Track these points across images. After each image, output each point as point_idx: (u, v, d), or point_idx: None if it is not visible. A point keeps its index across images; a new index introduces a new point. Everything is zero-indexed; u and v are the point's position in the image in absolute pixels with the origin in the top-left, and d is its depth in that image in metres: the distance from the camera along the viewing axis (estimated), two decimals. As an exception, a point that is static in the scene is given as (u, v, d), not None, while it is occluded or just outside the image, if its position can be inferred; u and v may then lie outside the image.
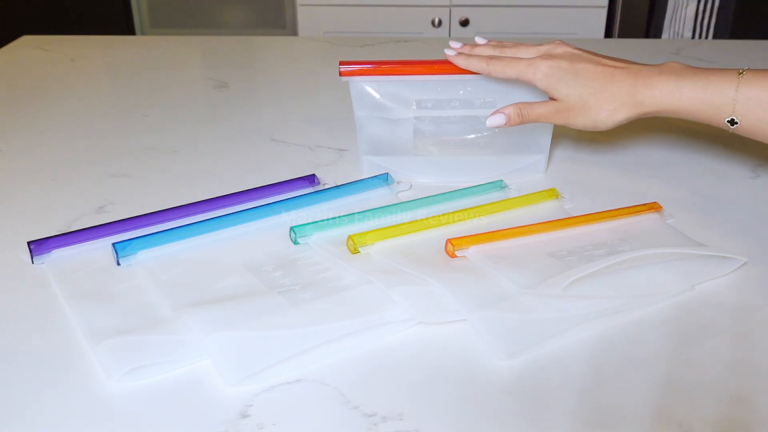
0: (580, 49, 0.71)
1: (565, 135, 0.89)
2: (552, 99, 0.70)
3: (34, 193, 0.77)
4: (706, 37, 2.01)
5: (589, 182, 0.78)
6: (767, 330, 0.56)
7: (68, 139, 0.90)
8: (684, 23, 2.00)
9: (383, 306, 0.56)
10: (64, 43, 1.28)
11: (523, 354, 0.53)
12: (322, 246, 0.64)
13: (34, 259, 0.64)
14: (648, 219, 0.69)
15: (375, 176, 0.75)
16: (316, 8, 2.11)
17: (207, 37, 1.33)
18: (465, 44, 0.75)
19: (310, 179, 0.76)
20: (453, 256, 0.63)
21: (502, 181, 0.76)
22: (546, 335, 0.54)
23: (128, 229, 0.67)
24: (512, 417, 0.48)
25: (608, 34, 2.11)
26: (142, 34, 2.41)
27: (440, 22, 2.10)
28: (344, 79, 0.75)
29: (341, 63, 0.75)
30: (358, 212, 0.68)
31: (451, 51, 0.74)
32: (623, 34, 2.09)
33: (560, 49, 0.71)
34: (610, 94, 0.68)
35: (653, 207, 0.70)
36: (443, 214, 0.68)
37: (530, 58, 0.71)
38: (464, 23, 2.09)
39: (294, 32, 2.28)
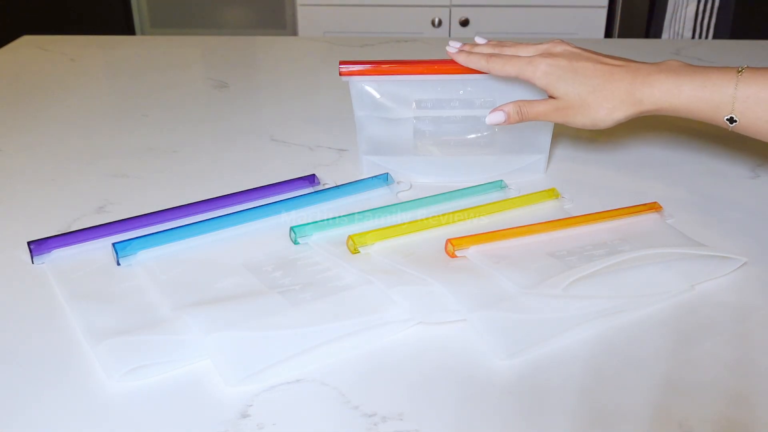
0: (580, 48, 0.72)
1: (565, 135, 0.89)
2: (551, 97, 0.70)
3: (34, 193, 0.77)
4: (706, 37, 2.01)
5: (589, 182, 0.78)
6: (767, 330, 0.56)
7: (68, 139, 0.90)
8: (684, 23, 2.00)
9: (383, 306, 0.56)
10: (64, 43, 1.28)
11: (523, 354, 0.53)
12: (322, 246, 0.64)
13: (34, 259, 0.64)
14: (648, 219, 0.69)
15: (375, 176, 0.75)
16: (316, 8, 2.11)
17: (207, 37, 1.33)
18: (465, 44, 0.76)
19: (310, 179, 0.76)
20: (453, 256, 0.63)
21: (502, 181, 0.76)
22: (546, 335, 0.54)
23: (128, 229, 0.67)
24: (512, 417, 0.48)
25: (608, 34, 2.11)
26: (142, 34, 2.41)
27: (440, 22, 2.10)
28: (344, 79, 0.75)
29: (341, 63, 0.75)
30: (358, 212, 0.68)
31: (453, 48, 0.74)
32: (623, 34, 2.09)
33: (559, 48, 0.71)
34: (609, 93, 0.68)
35: (653, 207, 0.70)
36: (443, 214, 0.68)
37: (530, 56, 0.71)
38: (464, 23, 2.09)
39: (294, 32, 2.28)
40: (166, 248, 0.64)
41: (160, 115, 0.97)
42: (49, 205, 0.74)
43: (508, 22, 2.09)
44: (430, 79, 0.75)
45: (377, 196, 0.74)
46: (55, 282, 0.61)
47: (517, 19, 2.08)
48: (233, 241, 0.66)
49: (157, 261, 0.63)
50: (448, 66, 0.74)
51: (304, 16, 2.12)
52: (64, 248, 0.64)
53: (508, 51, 0.73)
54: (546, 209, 0.71)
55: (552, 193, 0.73)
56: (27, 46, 1.27)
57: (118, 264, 0.63)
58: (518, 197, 0.72)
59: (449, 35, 2.11)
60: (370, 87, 0.76)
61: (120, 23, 2.39)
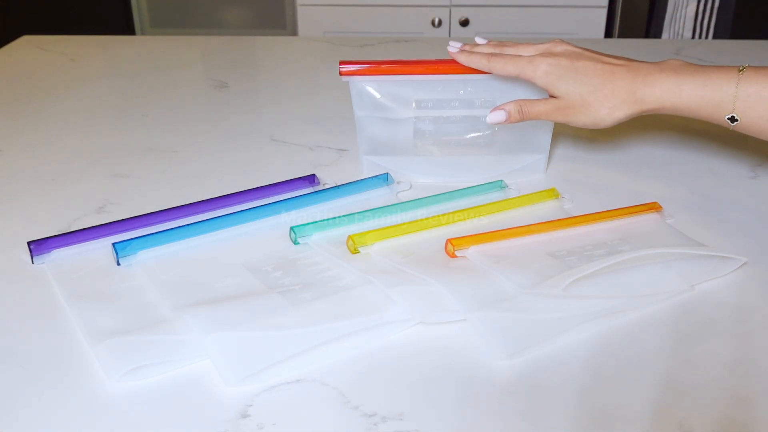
0: (581, 48, 0.72)
1: (565, 135, 0.89)
2: (552, 97, 0.70)
3: (34, 193, 0.77)
4: (706, 37, 2.01)
5: (589, 182, 0.78)
6: (767, 330, 0.56)
7: (68, 139, 0.90)
8: (684, 23, 2.00)
9: (383, 306, 0.56)
10: (64, 43, 1.28)
11: (523, 354, 0.53)
12: (322, 246, 0.64)
13: (34, 259, 0.64)
14: (648, 219, 0.69)
15: (375, 176, 0.75)
16: (316, 8, 2.11)
17: (207, 37, 1.33)
18: (466, 44, 0.76)
19: (310, 179, 0.76)
20: (453, 256, 0.63)
21: (502, 181, 0.76)
22: (546, 335, 0.54)
23: (128, 229, 0.67)
24: (512, 417, 0.48)
25: (608, 34, 2.11)
26: (142, 34, 2.41)
27: (440, 22, 2.10)
28: (344, 79, 0.75)
29: (341, 63, 0.75)
30: (358, 212, 0.68)
31: (454, 48, 0.74)
32: (623, 34, 2.09)
33: (560, 48, 0.71)
34: (610, 92, 0.68)
35: (653, 207, 0.70)
36: (443, 214, 0.68)
37: (530, 56, 0.71)
38: (464, 23, 2.09)
39: (294, 32, 2.28)
40: (166, 248, 0.64)
41: (160, 115, 0.97)
42: (49, 205, 0.74)
43: (508, 22, 2.09)
44: (430, 79, 0.75)
45: (377, 196, 0.74)
46: (55, 282, 0.61)
47: (517, 19, 2.08)
48: (233, 241, 0.66)
49: (157, 261, 0.63)
50: (448, 66, 0.74)
51: (304, 16, 2.12)
52: (64, 248, 0.64)
53: (508, 51, 0.73)
54: (546, 209, 0.71)
55: (552, 193, 0.73)
56: (27, 46, 1.27)
57: (118, 264, 0.63)
58: (518, 197, 0.72)
59: (449, 35, 2.11)
60: (370, 87, 0.76)
61: (120, 23, 2.39)
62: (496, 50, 0.74)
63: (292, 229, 0.66)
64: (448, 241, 0.63)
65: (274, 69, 1.17)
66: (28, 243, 0.64)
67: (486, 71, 0.73)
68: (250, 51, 1.28)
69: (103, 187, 0.78)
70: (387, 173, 0.76)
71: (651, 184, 0.78)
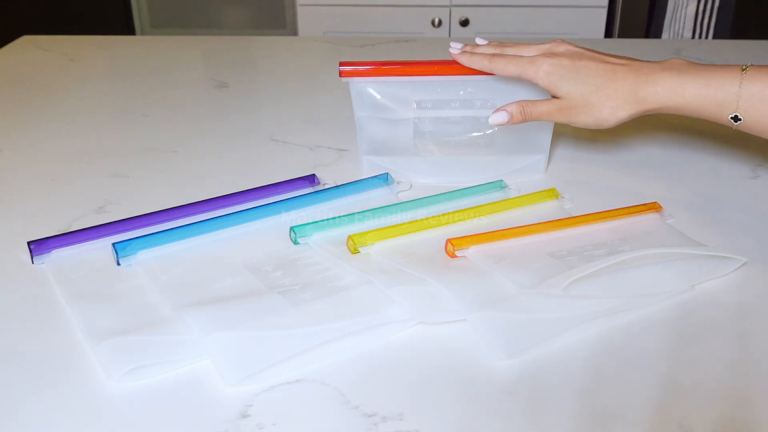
0: (582, 48, 0.71)
1: (565, 135, 0.89)
2: (554, 97, 0.70)
3: (34, 193, 0.77)
4: (706, 37, 2.01)
5: (589, 182, 0.78)
6: (767, 330, 0.56)
7: (68, 139, 0.90)
8: (684, 23, 2.00)
9: (383, 306, 0.56)
10: (64, 43, 1.28)
11: (523, 354, 0.53)
12: (322, 246, 0.64)
13: (34, 259, 0.64)
14: (648, 219, 0.69)
15: (375, 176, 0.75)
16: (316, 8, 2.11)
17: (207, 37, 1.33)
18: (466, 44, 0.76)
19: (310, 179, 0.76)
20: (453, 256, 0.63)
21: (502, 181, 0.76)
22: (546, 335, 0.54)
23: (128, 229, 0.67)
24: (512, 417, 0.48)
25: (608, 34, 2.11)
26: (142, 34, 2.41)
27: (440, 22, 2.10)
28: (344, 79, 0.75)
29: (341, 64, 0.75)
30: (358, 212, 0.68)
31: (455, 49, 0.74)
32: (623, 34, 2.09)
33: (562, 48, 0.71)
34: (612, 92, 0.68)
35: (653, 207, 0.70)
36: (443, 214, 0.68)
37: (532, 56, 0.71)
38: (464, 23, 2.09)
39: (294, 32, 2.28)
40: (166, 248, 0.64)
41: (160, 115, 0.97)
42: (49, 205, 0.74)
43: (508, 22, 2.09)
44: (431, 79, 0.75)
45: (377, 196, 0.74)
46: (55, 282, 0.61)
47: (517, 19, 2.08)
48: (233, 241, 0.66)
49: (157, 261, 0.63)
50: (448, 67, 0.74)
51: (304, 16, 2.12)
52: (64, 248, 0.64)
53: (509, 51, 0.73)
54: (546, 209, 0.71)
55: (552, 193, 0.73)
56: (27, 46, 1.27)
57: (118, 264, 0.63)
58: (518, 197, 0.72)
59: (449, 35, 2.11)
60: (370, 88, 0.75)
61: (120, 23, 2.39)
62: (497, 51, 0.74)
63: (292, 229, 0.66)
64: (448, 241, 0.63)
65: (274, 69, 1.17)
66: (28, 243, 0.64)
67: (487, 72, 0.73)
68: (250, 51, 1.28)
69: (103, 187, 0.78)
70: (387, 173, 0.76)
71: (651, 184, 0.78)
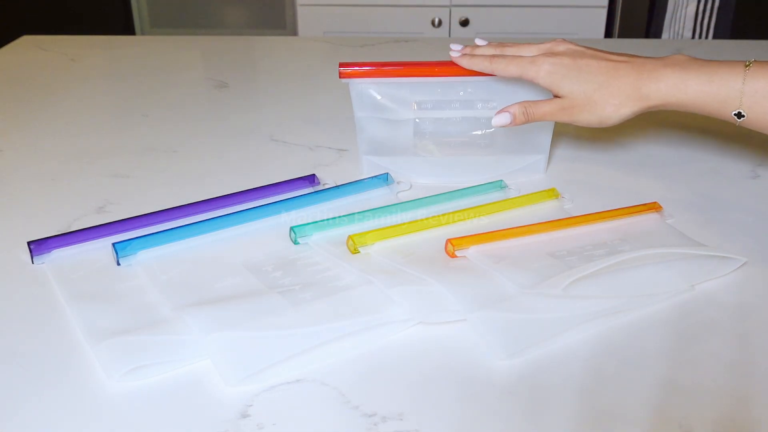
0: (583, 46, 0.71)
1: (565, 135, 0.89)
2: (556, 97, 0.70)
3: (34, 193, 0.77)
4: (706, 37, 2.01)
5: (589, 182, 0.78)
6: (767, 330, 0.56)
7: (68, 139, 0.90)
8: (684, 23, 2.00)
9: (383, 306, 0.56)
10: (64, 43, 1.28)
11: (523, 354, 0.53)
12: (322, 246, 0.64)
13: (34, 259, 0.64)
14: (648, 219, 0.69)
15: (375, 176, 0.75)
16: (316, 8, 2.11)
17: (207, 37, 1.33)
18: (466, 46, 0.75)
19: (310, 179, 0.76)
20: (453, 256, 0.63)
21: (502, 181, 0.76)
22: (546, 335, 0.54)
23: (128, 229, 0.67)
24: (512, 417, 0.48)
25: (608, 34, 2.11)
26: (142, 34, 2.41)
27: (440, 22, 2.10)
28: (344, 80, 0.75)
29: (341, 65, 0.75)
30: (358, 212, 0.68)
31: (455, 52, 0.74)
32: (623, 34, 2.09)
33: (562, 47, 0.71)
34: (614, 89, 0.67)
35: (653, 207, 0.70)
36: (443, 214, 0.68)
37: (532, 56, 0.70)
38: (464, 23, 2.09)
39: (294, 32, 2.28)
40: (166, 248, 0.64)
41: (160, 115, 0.97)
42: (49, 205, 0.74)
43: (508, 22, 2.09)
44: (431, 80, 0.75)
45: (377, 196, 0.74)
46: (55, 282, 0.61)
47: (517, 19, 2.08)
48: (233, 241, 0.66)
49: (157, 261, 0.63)
50: (447, 68, 0.74)
51: (304, 16, 2.12)
52: (64, 248, 0.64)
53: (510, 51, 0.73)
54: (546, 209, 0.71)
55: (552, 193, 0.73)
56: (27, 46, 1.27)
57: (118, 264, 0.63)
58: (518, 197, 0.72)
59: (449, 35, 2.11)
60: (370, 89, 0.75)
61: (120, 23, 2.39)
62: (497, 51, 0.73)
63: (292, 229, 0.66)
64: (448, 241, 0.63)
65: (274, 69, 1.17)
66: (28, 243, 0.64)
67: (488, 73, 0.73)
68: (250, 51, 1.28)
69: (103, 187, 0.78)
70: (387, 173, 0.76)
71: (651, 184, 0.78)
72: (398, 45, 1.28)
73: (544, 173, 0.80)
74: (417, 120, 0.77)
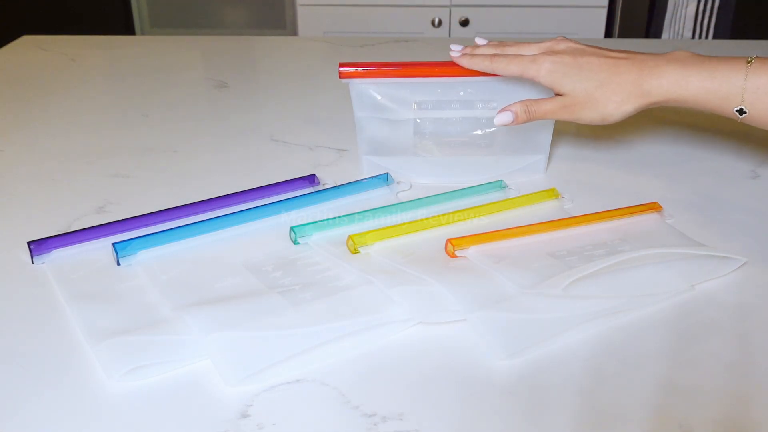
0: (583, 44, 0.71)
1: (565, 134, 0.89)
2: (557, 95, 0.70)
3: (34, 193, 0.77)
4: (706, 37, 2.01)
5: (589, 182, 0.78)
6: (767, 330, 0.56)
7: (68, 139, 0.90)
8: (684, 23, 2.00)
9: (383, 306, 0.56)
10: (64, 43, 1.28)
11: (523, 354, 0.53)
12: (322, 246, 0.64)
13: (34, 259, 0.64)
14: (648, 219, 0.69)
15: (375, 176, 0.75)
16: (316, 8, 2.11)
17: (207, 37, 1.33)
18: (466, 46, 0.75)
19: (310, 179, 0.76)
20: (453, 256, 0.63)
21: (502, 181, 0.76)
22: (546, 335, 0.54)
23: (128, 229, 0.67)
24: (512, 417, 0.48)
25: (608, 34, 2.11)
26: (142, 34, 2.41)
27: (440, 22, 2.10)
28: (344, 80, 0.75)
29: (341, 65, 0.75)
30: (358, 212, 0.68)
31: (455, 52, 0.74)
32: (623, 34, 2.09)
33: (562, 45, 0.71)
34: (616, 86, 0.67)
35: (653, 207, 0.70)
36: (443, 214, 0.68)
37: (533, 55, 0.70)
38: (464, 23, 2.09)
39: (294, 32, 2.28)
40: (166, 248, 0.64)
41: (160, 115, 0.97)
42: (49, 205, 0.74)
43: (508, 22, 2.09)
44: (431, 81, 0.75)
45: (377, 196, 0.74)
46: (55, 282, 0.61)
47: (517, 19, 2.08)
48: (233, 241, 0.66)
49: (157, 261, 0.63)
50: (447, 68, 0.74)
51: (304, 16, 2.12)
52: (64, 248, 0.64)
53: (510, 50, 0.73)
54: (546, 209, 0.71)
55: (552, 193, 0.73)
56: (27, 46, 1.27)
57: (118, 264, 0.63)
58: (518, 197, 0.72)
59: (449, 35, 2.11)
60: (370, 89, 0.75)
61: (120, 23, 2.39)
62: (498, 51, 0.73)
63: (292, 229, 0.66)
64: (448, 241, 0.63)
65: (274, 69, 1.17)
66: (28, 243, 0.64)
67: (489, 73, 0.72)
68: (250, 51, 1.28)
69: (103, 187, 0.78)
70: (387, 173, 0.76)
71: (651, 184, 0.78)
72: (398, 45, 1.28)
73: (544, 173, 0.80)
74: (417, 120, 0.77)
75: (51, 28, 2.18)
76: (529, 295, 0.57)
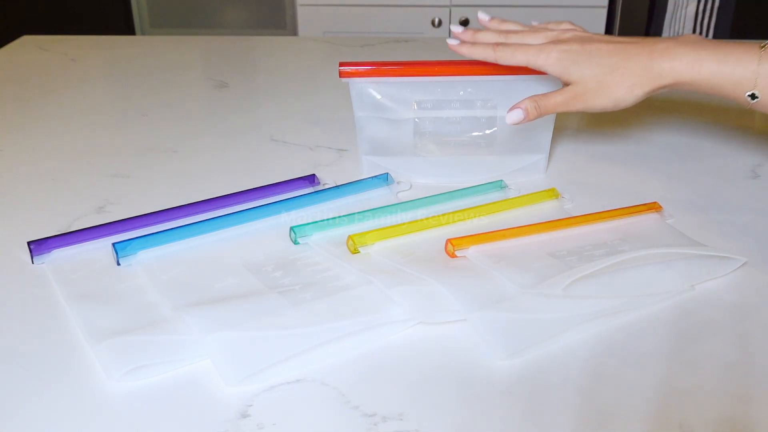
0: (590, 33, 0.70)
1: (565, 135, 0.89)
2: (566, 85, 0.69)
3: (34, 193, 0.77)
4: (707, 36, 2.01)
5: (589, 182, 0.78)
6: (767, 330, 0.56)
7: (68, 139, 0.90)
8: (684, 23, 2.00)
9: (383, 306, 0.56)
10: (64, 43, 1.28)
11: (523, 354, 0.53)
12: (322, 246, 0.64)
13: (34, 259, 0.64)
14: (648, 219, 0.69)
15: (375, 176, 0.75)
16: (316, 8, 2.11)
17: (207, 37, 1.33)
18: (467, 29, 0.73)
19: (310, 179, 0.76)
20: (453, 256, 0.63)
21: (502, 181, 0.76)
22: (546, 335, 0.54)
23: (128, 229, 0.67)
24: (512, 417, 0.48)
25: (608, 34, 2.11)
26: (142, 34, 2.41)
27: (440, 22, 2.10)
28: (344, 79, 0.75)
29: (341, 64, 0.75)
30: (358, 212, 0.68)
31: (454, 41, 0.72)
32: (623, 34, 2.08)
33: (569, 34, 0.70)
34: (626, 70, 0.66)
35: (653, 207, 0.70)
36: (443, 214, 0.68)
37: (540, 44, 0.69)
38: (464, 23, 2.09)
39: (294, 32, 2.28)
40: (166, 248, 0.64)
41: (160, 115, 0.97)
42: (49, 205, 0.74)
43: (508, 22, 2.08)
44: (431, 80, 0.75)
45: (377, 196, 0.74)
46: (55, 282, 0.61)
47: (517, 19, 2.07)
48: (233, 241, 0.66)
49: (157, 261, 0.63)
50: (448, 67, 0.74)
51: (304, 16, 2.12)
52: (64, 248, 0.64)
53: (513, 39, 0.71)
54: (546, 209, 0.71)
55: (552, 193, 0.73)
56: (27, 46, 1.27)
57: (118, 264, 0.63)
58: (518, 197, 0.72)
59: (449, 35, 2.11)
60: (370, 88, 0.75)
61: (120, 23, 2.39)
62: (501, 38, 0.72)
63: (292, 229, 0.66)
64: (448, 241, 0.63)
65: (274, 69, 1.17)
66: (28, 243, 0.64)
67: (491, 62, 0.71)
68: (250, 51, 1.28)
69: (103, 187, 0.78)
70: (387, 173, 0.76)
71: (651, 184, 0.78)
72: (398, 45, 1.28)
73: (544, 173, 0.80)
74: (417, 120, 0.77)
75: (51, 28, 2.17)
76: (529, 295, 0.57)
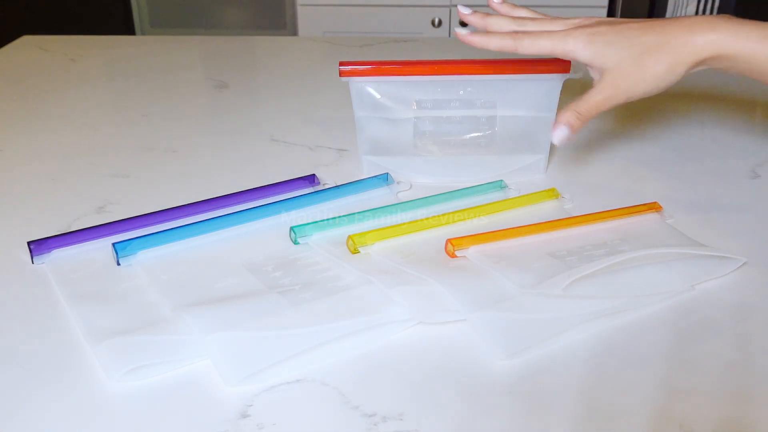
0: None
1: (565, 135, 0.89)
2: (597, 74, 0.64)
3: (34, 193, 0.77)
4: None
5: (589, 182, 0.78)
6: (767, 330, 0.56)
7: (68, 139, 0.90)
8: (684, 23, 2.00)
9: (383, 306, 0.56)
10: (64, 43, 1.28)
11: (523, 354, 0.53)
12: (322, 246, 0.64)
13: (34, 259, 0.64)
14: (648, 219, 0.69)
15: (375, 176, 0.75)
16: (316, 8, 2.11)
17: (207, 37, 1.33)
18: (476, 12, 0.69)
19: (310, 179, 0.76)
20: (453, 256, 0.63)
21: (502, 181, 0.76)
22: (546, 335, 0.54)
23: (128, 229, 0.67)
24: (512, 417, 0.48)
25: (608, 34, 2.11)
26: (142, 34, 2.41)
27: (440, 22, 2.10)
28: (344, 79, 0.75)
29: (341, 63, 0.75)
30: (358, 212, 0.68)
31: (463, 30, 0.67)
32: (623, 34, 2.08)
33: (594, 20, 0.65)
34: (665, 47, 0.61)
35: (653, 207, 0.70)
36: (443, 214, 0.68)
37: (565, 30, 0.64)
38: (464, 23, 2.09)
39: (294, 32, 2.28)
40: (166, 248, 0.64)
41: (160, 115, 0.97)
42: (49, 205, 0.74)
43: (508, 22, 2.08)
44: (431, 79, 0.75)
45: (377, 196, 0.74)
46: (55, 282, 0.61)
47: (517, 19, 2.08)
48: (233, 241, 0.66)
49: (157, 261, 0.63)
50: (448, 66, 0.74)
51: (304, 16, 2.12)
52: (64, 248, 0.64)
53: (531, 27, 0.66)
54: (546, 209, 0.71)
55: (552, 193, 0.73)
56: (27, 46, 1.27)
57: (118, 264, 0.63)
58: (518, 197, 0.72)
59: (449, 35, 2.11)
60: (370, 87, 0.75)
61: (120, 23, 2.39)
62: (514, 25, 0.67)
63: (292, 229, 0.66)
64: (448, 241, 0.63)
65: (274, 69, 1.17)
66: (28, 243, 0.64)
67: (510, 51, 0.65)
68: (250, 51, 1.28)
69: (103, 187, 0.78)
70: (387, 173, 0.76)
71: (651, 184, 0.78)
72: (398, 45, 1.28)
73: (544, 173, 0.80)
74: (417, 119, 0.77)
75: (51, 28, 2.18)
76: (529, 295, 0.57)
